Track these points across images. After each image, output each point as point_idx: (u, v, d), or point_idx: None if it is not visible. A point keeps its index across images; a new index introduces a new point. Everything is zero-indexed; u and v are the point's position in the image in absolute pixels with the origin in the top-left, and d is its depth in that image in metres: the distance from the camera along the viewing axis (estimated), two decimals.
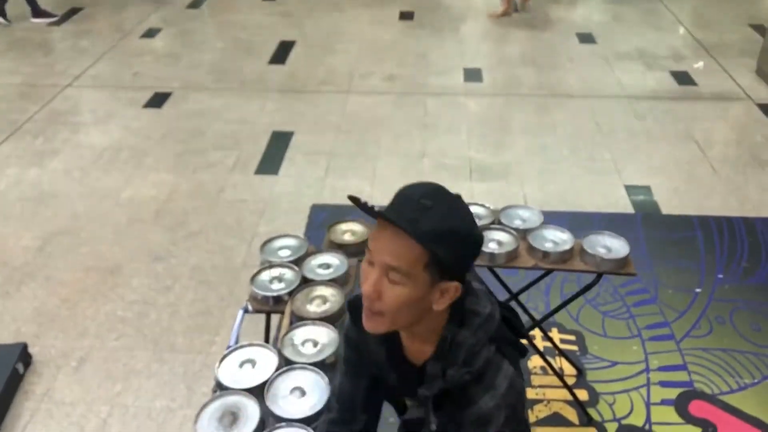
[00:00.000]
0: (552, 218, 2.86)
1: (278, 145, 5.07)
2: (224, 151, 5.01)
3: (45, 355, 3.28)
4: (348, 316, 1.46)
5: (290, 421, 1.87)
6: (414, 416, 1.31)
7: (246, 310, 2.38)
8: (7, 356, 3.12)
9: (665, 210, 4.31)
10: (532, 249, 2.57)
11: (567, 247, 2.56)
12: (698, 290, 3.64)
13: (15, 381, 3.09)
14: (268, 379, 1.99)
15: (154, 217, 4.27)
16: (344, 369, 1.52)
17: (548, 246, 2.56)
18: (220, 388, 1.99)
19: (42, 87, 5.98)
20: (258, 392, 1.96)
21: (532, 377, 3.14)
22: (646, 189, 4.52)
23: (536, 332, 3.33)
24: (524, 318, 2.94)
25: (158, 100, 5.77)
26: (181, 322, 3.47)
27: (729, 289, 3.65)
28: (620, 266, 2.54)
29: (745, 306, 3.53)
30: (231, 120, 5.44)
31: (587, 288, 2.66)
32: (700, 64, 6.34)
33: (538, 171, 4.71)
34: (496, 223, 2.71)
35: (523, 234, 2.63)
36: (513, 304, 2.81)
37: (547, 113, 5.52)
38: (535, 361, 3.23)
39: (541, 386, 3.10)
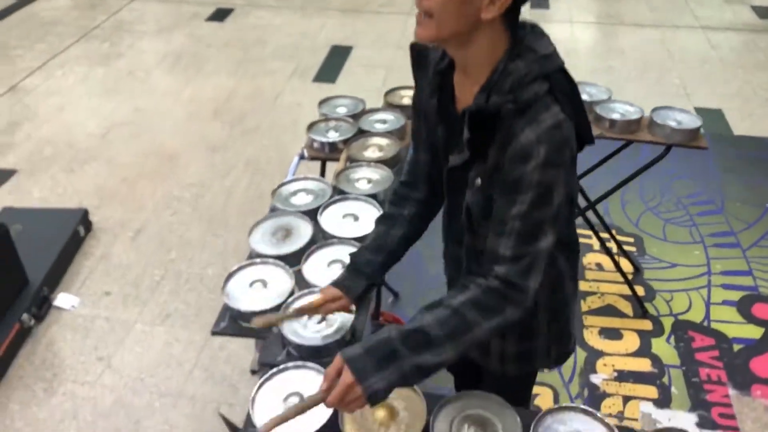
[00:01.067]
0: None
1: (337, 57, 5.03)
2: (283, 61, 5.01)
3: (104, 224, 3.37)
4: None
5: (342, 239, 1.86)
6: (457, 163, 1.28)
7: (302, 157, 2.37)
8: (70, 219, 3.22)
9: (737, 132, 4.11)
10: (598, 118, 2.46)
11: (635, 117, 2.44)
12: None
13: (76, 242, 3.19)
14: (322, 203, 1.98)
15: (212, 115, 4.32)
16: (412, 144, 1.50)
17: (615, 116, 2.45)
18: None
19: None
20: (312, 214, 1.96)
21: (587, 272, 3.06)
22: (717, 112, 4.30)
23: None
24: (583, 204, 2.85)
25: (221, 14, 5.80)
26: (235, 204, 3.51)
27: None
28: (691, 138, 2.42)
29: None
30: (291, 34, 5.43)
31: (655, 161, 2.55)
32: None
33: None
34: None
35: (589, 105, 2.52)
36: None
37: (616, 40, 5.31)
38: (590, 258, 3.14)
39: (595, 280, 3.01)
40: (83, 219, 3.25)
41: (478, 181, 1.26)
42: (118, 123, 4.24)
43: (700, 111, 4.29)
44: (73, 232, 3.15)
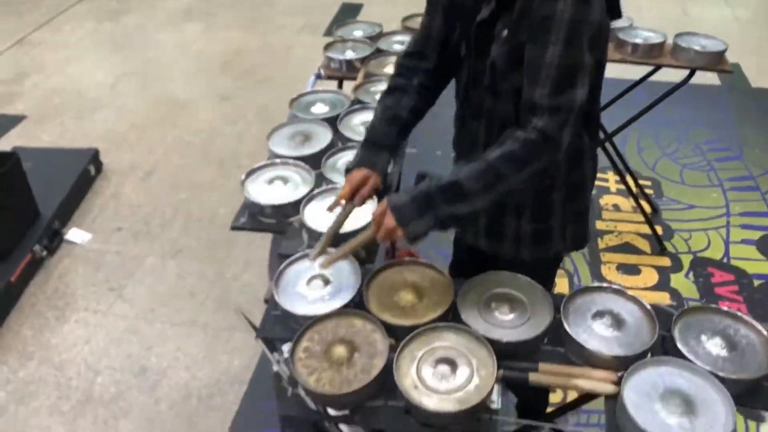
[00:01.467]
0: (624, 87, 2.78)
1: (347, 14, 4.97)
2: (293, 17, 4.96)
3: (114, 166, 3.34)
4: None
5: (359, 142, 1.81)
6: (485, 15, 1.27)
7: (318, 76, 2.33)
8: (80, 158, 3.18)
9: (755, 85, 4.05)
10: (620, 43, 2.41)
11: (657, 40, 2.39)
12: None
13: (87, 180, 3.15)
14: (342, 111, 1.95)
15: (222, 67, 4.27)
16: (427, 10, 1.46)
17: (638, 41, 2.40)
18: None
19: None
20: (331, 122, 1.92)
21: (603, 212, 3.02)
22: (735, 66, 4.21)
23: (610, 175, 3.20)
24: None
25: None
26: (246, 148, 3.47)
27: None
28: (716, 62, 2.37)
29: None
30: None
31: (678, 86, 2.50)
32: None
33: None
34: None
35: (614, 34, 2.47)
36: None
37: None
38: (606, 199, 3.10)
39: (612, 220, 2.97)
40: (94, 159, 3.21)
41: (505, 32, 1.26)
42: (127, 74, 4.20)
43: None
44: (83, 170, 3.12)
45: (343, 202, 1.44)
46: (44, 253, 2.74)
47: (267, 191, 1.68)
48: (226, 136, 3.57)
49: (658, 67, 2.48)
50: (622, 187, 3.03)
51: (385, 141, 1.45)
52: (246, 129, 3.62)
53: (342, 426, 1.56)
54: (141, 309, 2.56)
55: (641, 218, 2.89)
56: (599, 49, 1.25)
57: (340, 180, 1.67)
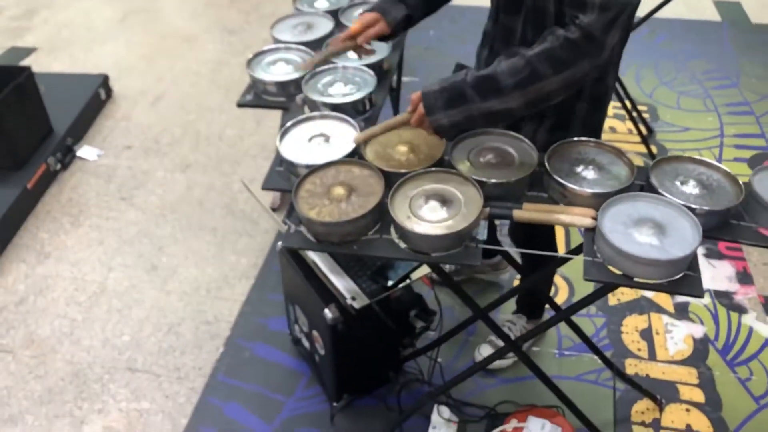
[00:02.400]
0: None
1: None
2: None
3: (124, 92, 3.43)
4: None
5: None
6: None
7: None
8: (91, 83, 3.27)
9: (755, 21, 4.08)
10: None
11: None
12: None
13: (97, 103, 3.25)
14: (344, 5, 2.02)
15: (229, 2, 4.32)
16: None
17: None
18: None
19: None
20: (333, 14, 1.99)
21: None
22: (736, 4, 4.26)
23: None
24: None
25: None
26: None
27: None
28: None
29: None
30: None
31: None
32: None
33: None
34: None
35: None
36: None
37: None
38: None
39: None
40: (104, 83, 3.30)
41: None
42: (135, 10, 4.26)
43: (719, 4, 4.27)
44: (94, 93, 3.21)
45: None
46: (58, 166, 2.85)
47: (271, 71, 1.77)
48: (233, 66, 3.65)
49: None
50: (620, 111, 3.11)
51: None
52: None
53: (326, 311, 1.68)
54: (152, 215, 2.67)
55: (637, 139, 2.97)
56: None
57: (345, 63, 1.75)
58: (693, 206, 1.28)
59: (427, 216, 1.30)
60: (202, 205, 2.72)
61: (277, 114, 2.06)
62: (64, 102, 3.08)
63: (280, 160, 1.51)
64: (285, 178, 1.49)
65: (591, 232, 1.30)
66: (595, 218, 1.29)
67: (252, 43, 3.83)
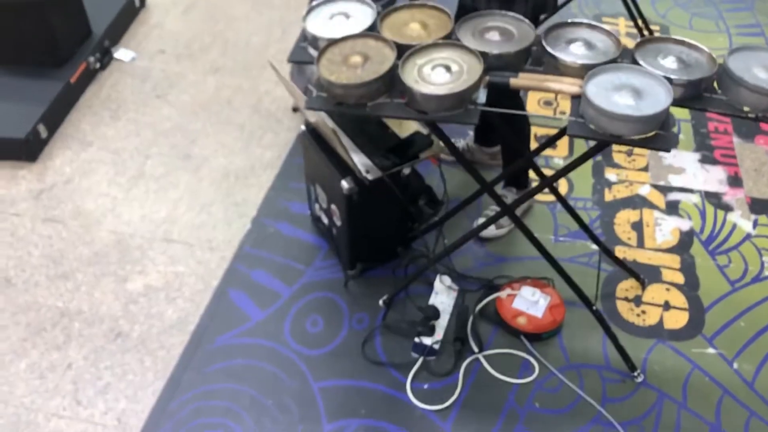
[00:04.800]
0: None
1: None
2: None
3: (156, 2, 3.57)
4: None
5: None
6: None
7: None
8: None
9: None
10: None
11: None
12: None
13: (132, 10, 3.41)
14: None
15: None
16: None
17: None
18: None
19: None
20: None
21: None
22: None
23: (621, 21, 3.36)
24: None
25: None
26: None
27: None
28: None
29: None
30: None
31: None
32: None
33: None
34: None
35: None
36: None
37: None
38: None
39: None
40: None
41: None
42: None
43: None
44: (130, 0, 3.38)
45: None
46: (97, 65, 3.05)
47: None
48: None
49: None
50: (632, 30, 3.20)
51: None
52: None
53: (343, 182, 1.86)
54: (184, 111, 2.87)
55: None
56: None
57: None
58: (671, 76, 1.44)
59: (434, 80, 1.48)
60: (231, 104, 2.91)
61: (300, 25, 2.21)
62: (101, 8, 3.25)
63: (304, 36, 1.68)
64: (308, 53, 1.67)
65: (578, 99, 1.47)
66: (581, 86, 1.46)
67: None
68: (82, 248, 2.31)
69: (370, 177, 1.90)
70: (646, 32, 3.21)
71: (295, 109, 2.87)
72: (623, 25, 3.36)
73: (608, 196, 2.47)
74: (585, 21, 1.62)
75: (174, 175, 2.58)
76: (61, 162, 2.64)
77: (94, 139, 2.74)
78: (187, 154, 2.67)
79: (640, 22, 3.19)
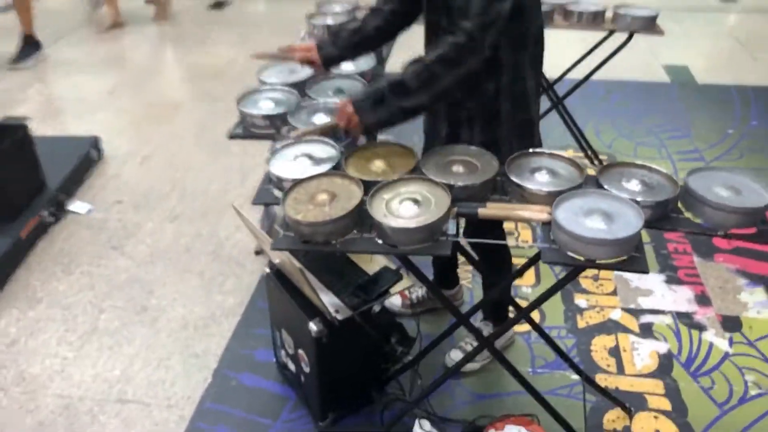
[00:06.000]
0: (583, 85, 3.17)
1: None
2: (282, 37, 5.30)
3: (114, 153, 3.60)
4: None
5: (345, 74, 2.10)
6: None
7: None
8: (82, 144, 3.44)
9: (701, 82, 4.43)
10: (567, 13, 2.76)
11: (599, 9, 2.74)
12: (730, 131, 3.76)
13: (89, 163, 3.41)
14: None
15: (214, 75, 4.59)
16: None
17: (582, 9, 2.75)
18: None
19: None
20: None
21: None
22: (684, 68, 4.64)
23: (570, 152, 3.51)
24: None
25: (220, 4, 6.16)
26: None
27: (763, 132, 3.75)
28: (649, 26, 2.71)
29: None
30: (285, 19, 5.76)
31: (620, 48, 2.83)
32: None
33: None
34: None
35: (559, 5, 2.81)
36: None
37: None
38: None
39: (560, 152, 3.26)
40: (95, 144, 3.48)
41: None
42: (124, 83, 4.50)
43: (668, 67, 4.64)
44: (86, 153, 3.38)
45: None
46: (51, 219, 2.97)
47: (259, 106, 1.95)
48: (219, 130, 3.80)
49: (609, 33, 2.81)
50: (583, 160, 3.34)
51: (338, 42, 1.86)
52: None
53: (311, 324, 1.79)
54: (142, 262, 2.78)
55: None
56: None
57: (324, 99, 1.95)
58: (637, 199, 1.45)
59: (402, 213, 1.45)
60: (190, 251, 2.84)
61: (260, 170, 2.23)
62: (57, 161, 3.23)
63: (269, 178, 1.67)
64: (273, 194, 1.64)
65: (548, 226, 1.46)
66: (550, 213, 1.45)
67: (236, 109, 4.05)
68: (24, 418, 2.10)
69: (339, 317, 1.81)
70: (596, 161, 3.36)
71: (258, 252, 2.81)
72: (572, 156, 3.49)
73: (581, 323, 2.42)
74: (546, 150, 1.65)
75: (129, 329, 2.44)
76: (6, 323, 2.47)
77: (44, 296, 2.60)
78: (143, 306, 2.54)
79: (589, 152, 3.35)
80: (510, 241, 2.85)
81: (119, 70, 4.73)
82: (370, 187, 1.53)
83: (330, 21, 2.63)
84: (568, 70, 3.25)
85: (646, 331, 2.38)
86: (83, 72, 4.68)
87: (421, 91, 1.55)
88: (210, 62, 4.81)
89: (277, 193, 1.60)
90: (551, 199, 1.47)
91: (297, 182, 1.56)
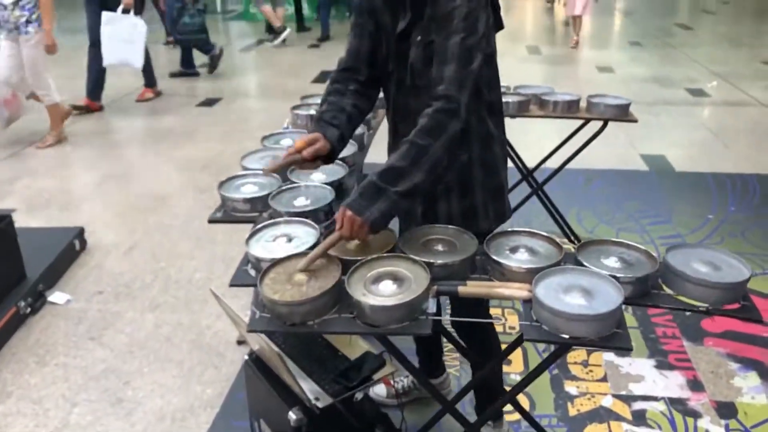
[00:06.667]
0: (564, 173, 3.28)
1: None
2: (268, 131, 5.45)
3: (98, 244, 3.58)
4: None
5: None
6: (403, 27, 1.62)
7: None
8: (66, 234, 3.43)
9: (678, 170, 4.55)
10: (543, 103, 2.86)
11: (574, 99, 2.84)
12: (710, 216, 3.82)
13: (71, 253, 3.38)
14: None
15: (201, 167, 4.67)
16: (354, 35, 1.80)
17: (557, 99, 2.85)
18: None
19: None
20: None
21: None
22: (661, 157, 4.77)
23: None
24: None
25: (209, 102, 6.35)
26: (223, 227, 3.75)
27: (742, 217, 3.81)
28: (622, 114, 2.80)
29: (758, 226, 3.68)
30: (274, 116, 5.93)
31: (595, 136, 2.91)
32: (714, 83, 6.73)
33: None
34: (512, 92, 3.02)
35: (535, 97, 2.93)
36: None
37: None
38: None
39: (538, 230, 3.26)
40: (79, 235, 3.46)
41: (419, 37, 1.62)
42: (113, 175, 4.56)
43: (646, 157, 4.77)
44: (69, 243, 3.36)
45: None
46: (28, 310, 2.91)
47: (240, 192, 1.97)
48: (203, 219, 3.83)
49: (584, 123, 2.91)
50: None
51: (334, 121, 1.73)
52: None
53: (291, 413, 1.73)
54: (119, 352, 2.70)
55: None
56: (488, 28, 1.61)
57: (306, 183, 1.97)
58: (617, 275, 1.45)
59: (381, 292, 1.43)
60: (170, 341, 2.77)
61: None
62: (39, 251, 3.21)
63: (247, 260, 1.65)
64: (250, 276, 1.62)
65: (528, 303, 1.44)
66: (530, 290, 1.44)
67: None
68: None
69: (320, 405, 1.74)
70: (576, 242, 3.38)
71: (240, 342, 2.74)
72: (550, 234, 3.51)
73: (572, 411, 2.34)
74: (524, 229, 1.66)
75: (103, 423, 2.33)
76: None
77: (14, 389, 2.50)
78: (119, 398, 2.45)
79: (572, 238, 3.37)
80: (497, 328, 2.81)
81: (109, 163, 4.79)
82: (348, 266, 1.52)
83: (313, 111, 2.70)
84: (547, 157, 3.34)
85: (640, 418, 2.31)
86: (72, 165, 4.75)
87: (413, 169, 1.48)
88: (198, 156, 4.90)
89: (254, 274, 1.58)
90: (531, 276, 1.47)
91: (275, 262, 1.55)
